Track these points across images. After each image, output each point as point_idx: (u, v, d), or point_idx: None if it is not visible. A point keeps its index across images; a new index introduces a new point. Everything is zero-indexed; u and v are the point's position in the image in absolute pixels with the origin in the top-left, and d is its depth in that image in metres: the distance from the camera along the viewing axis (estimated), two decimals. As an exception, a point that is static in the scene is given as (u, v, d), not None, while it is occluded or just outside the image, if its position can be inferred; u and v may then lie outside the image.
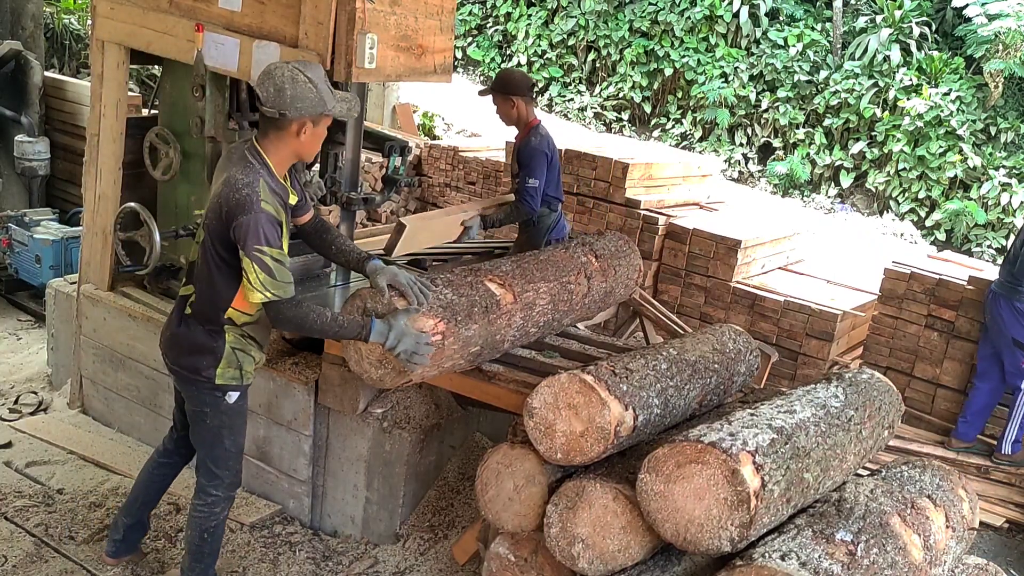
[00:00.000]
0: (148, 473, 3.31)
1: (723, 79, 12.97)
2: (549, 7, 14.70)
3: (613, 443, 2.75)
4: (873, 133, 12.03)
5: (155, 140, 4.07)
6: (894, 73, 11.93)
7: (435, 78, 3.97)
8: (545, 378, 2.86)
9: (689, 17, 13.33)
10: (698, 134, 13.31)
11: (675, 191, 7.12)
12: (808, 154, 12.41)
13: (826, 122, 12.38)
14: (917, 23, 12.21)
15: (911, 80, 11.84)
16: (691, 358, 3.27)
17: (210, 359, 2.91)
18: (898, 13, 12.18)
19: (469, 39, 15.34)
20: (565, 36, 14.40)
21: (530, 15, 14.83)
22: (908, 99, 11.64)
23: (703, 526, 2.48)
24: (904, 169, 11.63)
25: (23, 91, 7.00)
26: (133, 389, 4.27)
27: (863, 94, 11.98)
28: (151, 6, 3.85)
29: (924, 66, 12.01)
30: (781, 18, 13.36)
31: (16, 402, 4.65)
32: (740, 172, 12.92)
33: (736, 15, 13.03)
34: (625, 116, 13.96)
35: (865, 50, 12.23)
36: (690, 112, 13.40)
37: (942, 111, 11.36)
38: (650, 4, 13.73)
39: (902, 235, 11.39)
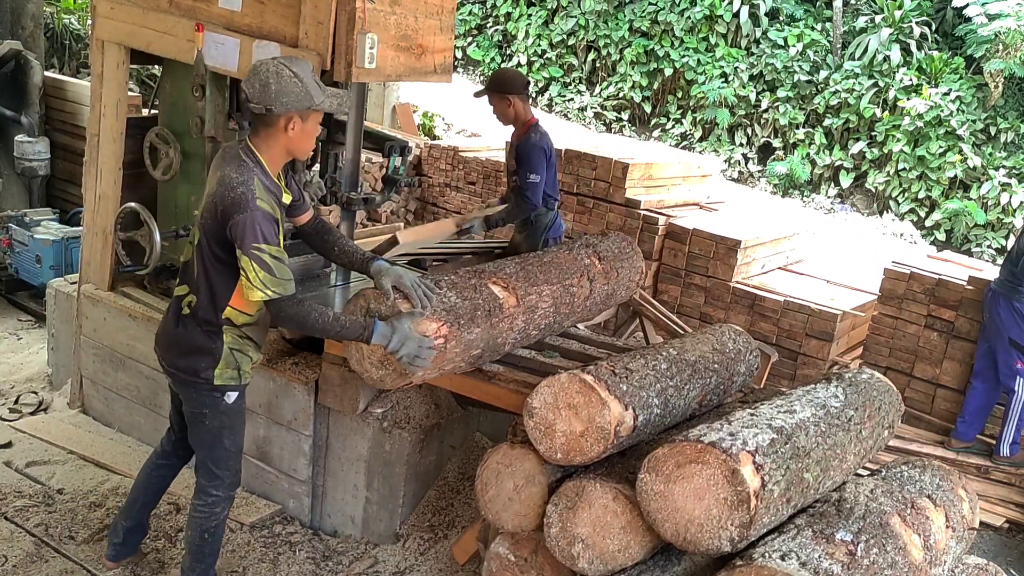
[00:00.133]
0: (146, 475, 3.30)
1: (723, 79, 12.97)
2: (549, 7, 14.70)
3: (613, 443, 2.75)
4: (873, 133, 12.03)
5: (155, 140, 4.07)
6: (894, 73, 11.93)
7: (435, 78, 3.97)
8: (545, 378, 2.86)
9: (689, 17, 13.33)
10: (698, 134, 13.31)
11: (675, 191, 7.13)
12: (808, 154, 12.41)
13: (826, 122, 12.39)
14: (917, 23, 12.21)
15: (911, 80, 11.84)
16: (691, 358, 3.28)
17: (208, 360, 2.90)
18: (898, 13, 12.18)
19: (469, 39, 15.33)
20: (565, 36, 14.39)
21: (530, 15, 14.82)
22: (908, 99, 11.64)
23: (703, 526, 2.48)
24: (904, 169, 11.63)
25: (23, 91, 7.00)
26: (133, 389, 4.27)
27: (863, 94, 11.98)
28: (151, 6, 3.85)
29: (924, 66, 12.01)
30: (781, 18, 13.35)
31: (16, 402, 4.66)
32: (740, 172, 12.91)
33: (736, 15, 13.03)
34: (625, 116, 13.95)
35: (865, 50, 12.23)
36: (690, 112, 13.40)
37: (942, 111, 11.36)
38: (650, 4, 13.73)
39: (902, 235, 11.38)
